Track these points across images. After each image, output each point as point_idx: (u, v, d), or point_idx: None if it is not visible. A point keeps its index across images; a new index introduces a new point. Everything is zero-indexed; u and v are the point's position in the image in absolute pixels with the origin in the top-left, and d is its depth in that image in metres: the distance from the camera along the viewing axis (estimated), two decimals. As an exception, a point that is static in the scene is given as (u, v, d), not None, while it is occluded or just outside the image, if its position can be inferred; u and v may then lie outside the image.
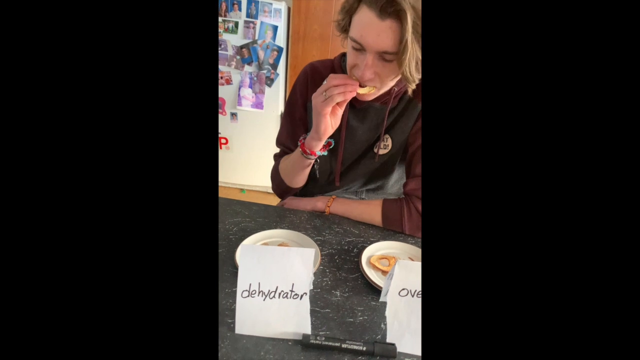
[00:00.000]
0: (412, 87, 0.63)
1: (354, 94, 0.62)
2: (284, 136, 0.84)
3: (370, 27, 0.56)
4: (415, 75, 0.59)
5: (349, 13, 0.61)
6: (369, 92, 0.64)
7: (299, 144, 0.73)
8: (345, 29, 0.64)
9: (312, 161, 0.75)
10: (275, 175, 0.85)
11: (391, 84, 0.67)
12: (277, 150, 0.89)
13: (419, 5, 0.54)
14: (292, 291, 0.45)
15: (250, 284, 0.45)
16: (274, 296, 0.45)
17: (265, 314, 0.45)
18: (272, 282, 0.45)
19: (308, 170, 0.78)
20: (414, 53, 0.56)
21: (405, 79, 0.60)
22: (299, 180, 0.80)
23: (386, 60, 0.59)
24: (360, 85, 0.62)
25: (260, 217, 0.74)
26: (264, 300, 0.45)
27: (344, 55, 0.77)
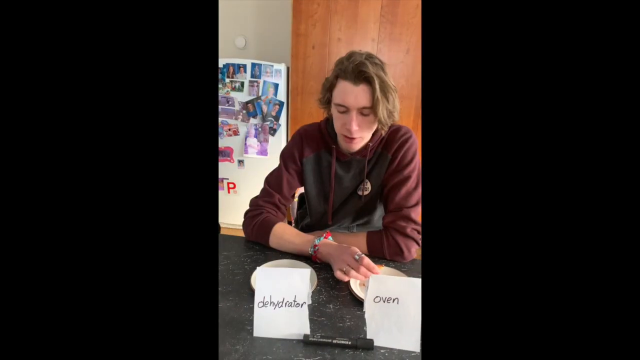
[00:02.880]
0: (385, 129, 0.86)
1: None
2: (280, 184, 0.97)
3: (350, 92, 0.80)
4: (387, 120, 0.82)
5: (329, 89, 0.85)
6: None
7: (312, 250, 0.84)
8: (327, 101, 0.87)
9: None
10: (260, 235, 0.91)
11: (369, 135, 0.88)
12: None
13: (379, 73, 0.78)
14: (294, 301, 0.61)
15: (264, 297, 0.61)
16: (281, 305, 0.61)
17: (275, 320, 0.61)
18: (279, 294, 0.61)
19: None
20: (384, 104, 0.79)
21: (380, 123, 0.82)
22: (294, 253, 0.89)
23: (364, 115, 0.82)
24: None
25: (269, 251, 0.91)
26: (274, 309, 0.61)
27: (327, 119, 0.98)
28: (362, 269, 0.72)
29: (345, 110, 0.82)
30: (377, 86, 0.77)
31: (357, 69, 0.78)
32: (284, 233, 0.90)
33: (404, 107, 2.32)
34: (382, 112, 0.79)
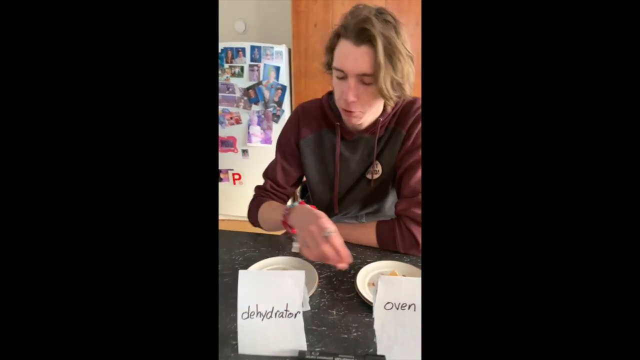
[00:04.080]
0: (390, 104, 0.71)
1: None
2: (274, 171, 0.88)
3: (349, 54, 0.66)
4: (391, 92, 0.67)
5: (330, 50, 0.71)
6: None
7: (282, 216, 0.71)
8: (329, 65, 0.73)
9: None
10: (254, 218, 0.87)
11: (374, 111, 0.74)
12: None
13: (387, 33, 0.64)
14: (286, 310, 0.50)
15: (249, 306, 0.50)
16: (270, 316, 0.50)
17: (264, 334, 0.50)
18: (268, 303, 0.50)
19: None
20: (388, 72, 0.65)
21: (382, 95, 0.67)
22: (278, 230, 0.81)
23: (365, 84, 0.68)
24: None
25: (265, 247, 0.79)
26: (262, 320, 0.50)
27: (330, 93, 0.85)
28: (326, 248, 0.57)
29: (344, 76, 0.68)
30: (381, 48, 0.63)
31: (359, 25, 0.64)
32: (267, 209, 0.83)
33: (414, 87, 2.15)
34: (384, 81, 0.65)
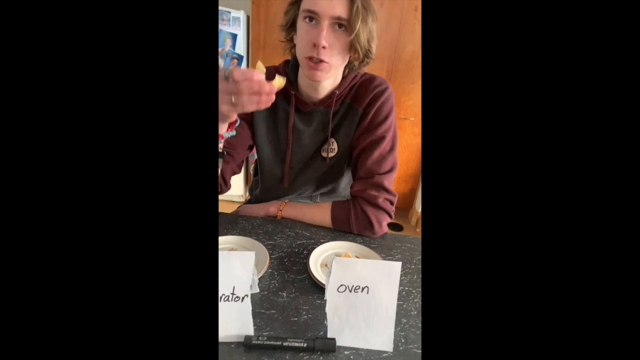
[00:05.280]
0: (358, 59, 0.68)
1: (269, 103, 0.56)
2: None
3: None
4: (364, 43, 0.65)
5: (296, 3, 0.67)
6: (280, 85, 0.58)
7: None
8: (292, 22, 0.69)
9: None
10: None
11: (339, 68, 0.71)
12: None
13: None
14: (233, 294, 0.46)
15: (190, 290, 0.45)
16: (214, 300, 0.46)
17: (206, 319, 0.45)
18: (212, 286, 0.45)
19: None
20: (365, 20, 0.63)
21: (358, 42, 0.65)
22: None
23: (337, 31, 0.64)
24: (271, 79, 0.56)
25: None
26: (205, 304, 0.45)
27: (287, 62, 0.79)
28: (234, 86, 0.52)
29: (315, 19, 0.64)
30: None
31: None
32: None
33: (374, 69, 2.14)
34: (361, 30, 0.63)
